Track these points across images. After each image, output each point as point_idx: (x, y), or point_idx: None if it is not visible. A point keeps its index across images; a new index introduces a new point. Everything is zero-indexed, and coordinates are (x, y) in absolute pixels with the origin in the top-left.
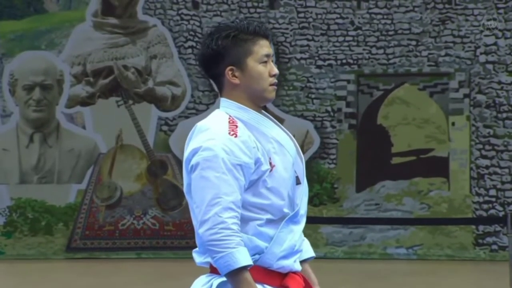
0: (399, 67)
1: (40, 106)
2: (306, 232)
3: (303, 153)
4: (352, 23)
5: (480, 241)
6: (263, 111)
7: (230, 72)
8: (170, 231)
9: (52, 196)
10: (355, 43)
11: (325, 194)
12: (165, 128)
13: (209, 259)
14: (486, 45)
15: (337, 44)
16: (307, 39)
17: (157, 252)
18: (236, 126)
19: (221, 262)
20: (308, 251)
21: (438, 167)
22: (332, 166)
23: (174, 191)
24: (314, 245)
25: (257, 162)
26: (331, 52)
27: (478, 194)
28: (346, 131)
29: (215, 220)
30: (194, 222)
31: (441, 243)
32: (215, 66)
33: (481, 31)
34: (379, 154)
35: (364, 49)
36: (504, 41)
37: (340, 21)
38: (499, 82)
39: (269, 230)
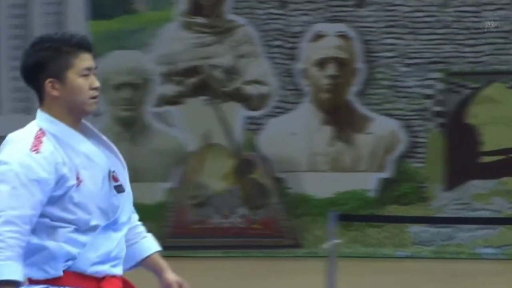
0: (488, 65)
1: (128, 105)
2: (393, 231)
3: (392, 152)
4: (440, 21)
5: None
6: (85, 122)
7: (50, 84)
8: (257, 229)
9: (140, 194)
10: (443, 41)
11: (412, 194)
12: (252, 127)
13: (24, 270)
14: None
15: (425, 42)
16: (395, 38)
17: (244, 251)
18: (41, 142)
19: None
20: (151, 248)
21: None
22: (420, 165)
23: (261, 190)
24: (401, 245)
25: (63, 177)
26: (419, 51)
27: None
28: (434, 130)
29: None
30: None
31: None
32: (36, 78)
33: None
34: (467, 153)
35: (452, 48)
36: None
37: (428, 19)
38: None
39: (80, 237)
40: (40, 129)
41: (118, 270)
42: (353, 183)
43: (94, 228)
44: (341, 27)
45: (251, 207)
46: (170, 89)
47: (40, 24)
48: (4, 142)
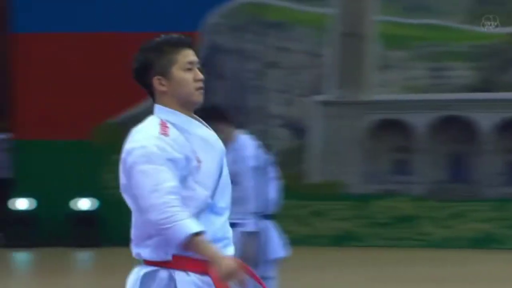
0: None
1: None
2: None
3: None
4: None
5: None
6: (194, 115)
7: (157, 81)
8: None
9: None
10: None
11: None
12: None
13: (140, 251)
14: None
15: None
16: None
17: None
18: (167, 127)
19: (175, 232)
20: None
21: None
22: None
23: None
24: None
25: (187, 159)
26: None
27: None
28: None
29: (159, 202)
30: (135, 216)
31: None
32: (145, 77)
33: None
34: None
35: None
36: None
37: None
38: None
39: None
40: (161, 119)
41: (226, 252)
42: None
43: (209, 207)
44: None
45: None
46: None
47: None
48: (131, 134)
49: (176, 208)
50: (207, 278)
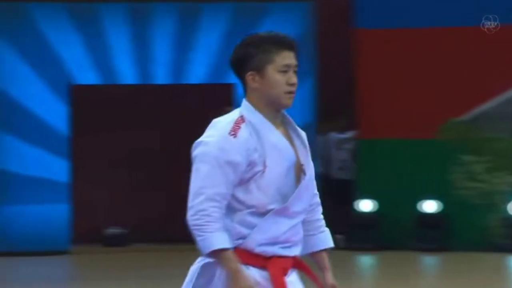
0: None
1: None
2: None
3: None
4: None
5: None
6: (285, 114)
7: (250, 77)
8: None
9: None
10: None
11: None
12: None
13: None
14: None
15: None
16: None
17: None
18: (239, 128)
19: (202, 244)
20: (323, 244)
21: None
22: None
23: None
24: None
25: (252, 163)
26: None
27: None
28: None
29: (198, 207)
30: None
31: None
32: (240, 70)
33: None
34: None
35: None
36: None
37: None
38: None
39: (253, 220)
40: (241, 116)
41: (289, 252)
42: None
43: (269, 212)
44: None
45: None
46: None
47: None
48: (210, 125)
49: (210, 218)
50: (266, 273)
